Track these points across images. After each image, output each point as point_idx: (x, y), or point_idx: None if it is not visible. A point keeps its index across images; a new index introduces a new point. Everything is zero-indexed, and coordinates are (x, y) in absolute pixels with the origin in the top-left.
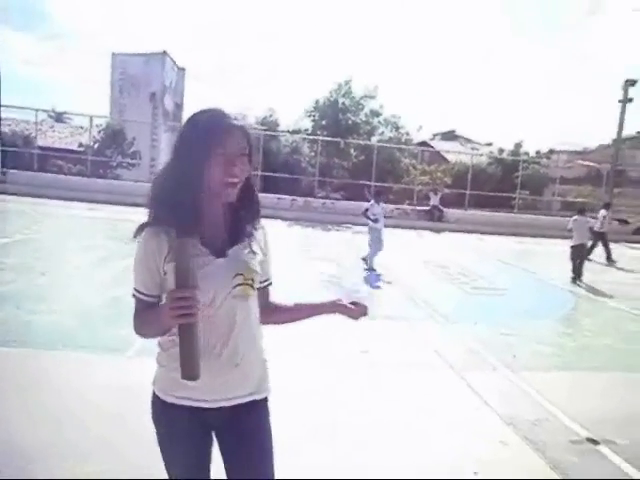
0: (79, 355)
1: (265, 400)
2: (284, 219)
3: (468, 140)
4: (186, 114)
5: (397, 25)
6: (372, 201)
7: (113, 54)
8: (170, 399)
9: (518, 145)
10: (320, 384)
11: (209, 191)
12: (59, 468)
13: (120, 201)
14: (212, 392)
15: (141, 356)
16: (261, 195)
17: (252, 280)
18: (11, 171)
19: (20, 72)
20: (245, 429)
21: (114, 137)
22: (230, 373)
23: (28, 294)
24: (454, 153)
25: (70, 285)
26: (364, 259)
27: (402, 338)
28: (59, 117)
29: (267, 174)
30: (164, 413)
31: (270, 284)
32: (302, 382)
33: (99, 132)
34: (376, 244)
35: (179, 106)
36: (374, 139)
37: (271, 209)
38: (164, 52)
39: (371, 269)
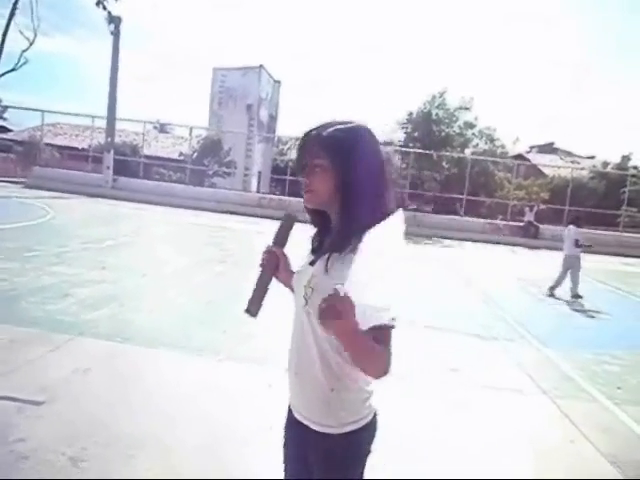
0: (173, 354)
1: (331, 438)
2: None
3: (568, 153)
4: (280, 125)
5: (494, 36)
6: (571, 226)
7: (214, 69)
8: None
9: (626, 158)
10: (407, 401)
11: None
12: (157, 459)
13: (215, 208)
14: (291, 393)
15: (230, 360)
16: None
17: (307, 295)
18: (121, 178)
19: (130, 87)
20: (310, 457)
21: (212, 147)
22: (293, 378)
23: (130, 293)
24: (552, 167)
25: (168, 287)
26: (575, 296)
27: (493, 358)
28: (163, 128)
29: None
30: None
31: (376, 328)
32: (387, 400)
33: (198, 142)
34: (578, 272)
35: (273, 117)
36: (467, 151)
37: None
38: (261, 66)
39: (577, 295)
